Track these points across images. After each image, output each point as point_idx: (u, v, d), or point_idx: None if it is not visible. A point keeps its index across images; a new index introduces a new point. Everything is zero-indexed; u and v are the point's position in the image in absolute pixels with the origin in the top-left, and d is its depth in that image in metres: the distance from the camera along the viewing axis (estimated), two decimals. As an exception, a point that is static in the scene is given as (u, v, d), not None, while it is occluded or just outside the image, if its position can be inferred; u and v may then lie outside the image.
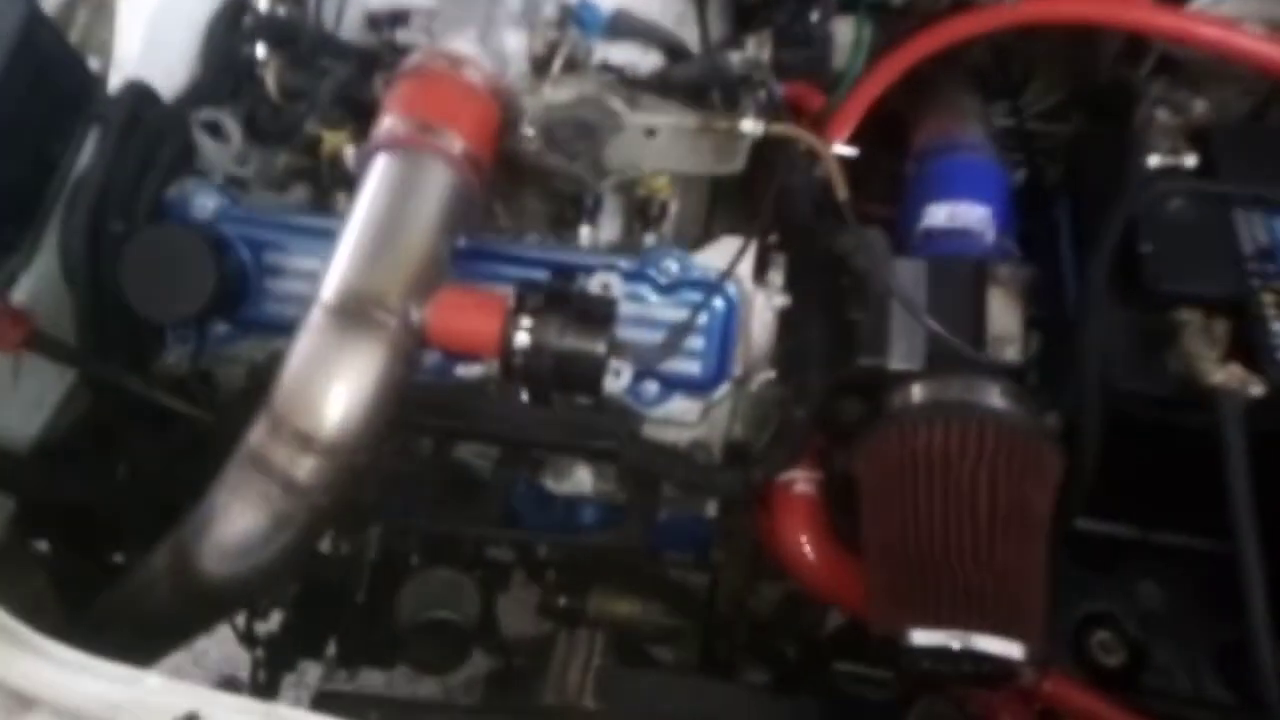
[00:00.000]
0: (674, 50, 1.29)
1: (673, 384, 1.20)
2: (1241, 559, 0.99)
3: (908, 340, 1.12)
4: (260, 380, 1.05)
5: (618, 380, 1.09)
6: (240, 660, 1.51)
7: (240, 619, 1.44)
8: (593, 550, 1.36)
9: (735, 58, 1.21)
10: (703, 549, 1.35)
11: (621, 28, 1.25)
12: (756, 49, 1.22)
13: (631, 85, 1.24)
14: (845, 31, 1.38)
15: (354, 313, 0.97)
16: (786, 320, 1.20)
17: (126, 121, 1.20)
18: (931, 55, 1.32)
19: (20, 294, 1.17)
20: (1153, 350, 1.10)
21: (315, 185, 1.32)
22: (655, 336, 1.17)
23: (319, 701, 1.00)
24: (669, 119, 1.20)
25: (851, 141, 1.29)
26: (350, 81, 1.25)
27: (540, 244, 1.28)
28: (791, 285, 1.21)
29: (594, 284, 1.15)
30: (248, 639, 1.46)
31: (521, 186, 1.30)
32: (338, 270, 0.99)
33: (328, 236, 1.04)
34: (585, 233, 1.28)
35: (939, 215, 1.24)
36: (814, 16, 1.31)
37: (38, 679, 0.84)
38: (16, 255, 1.17)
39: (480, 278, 1.20)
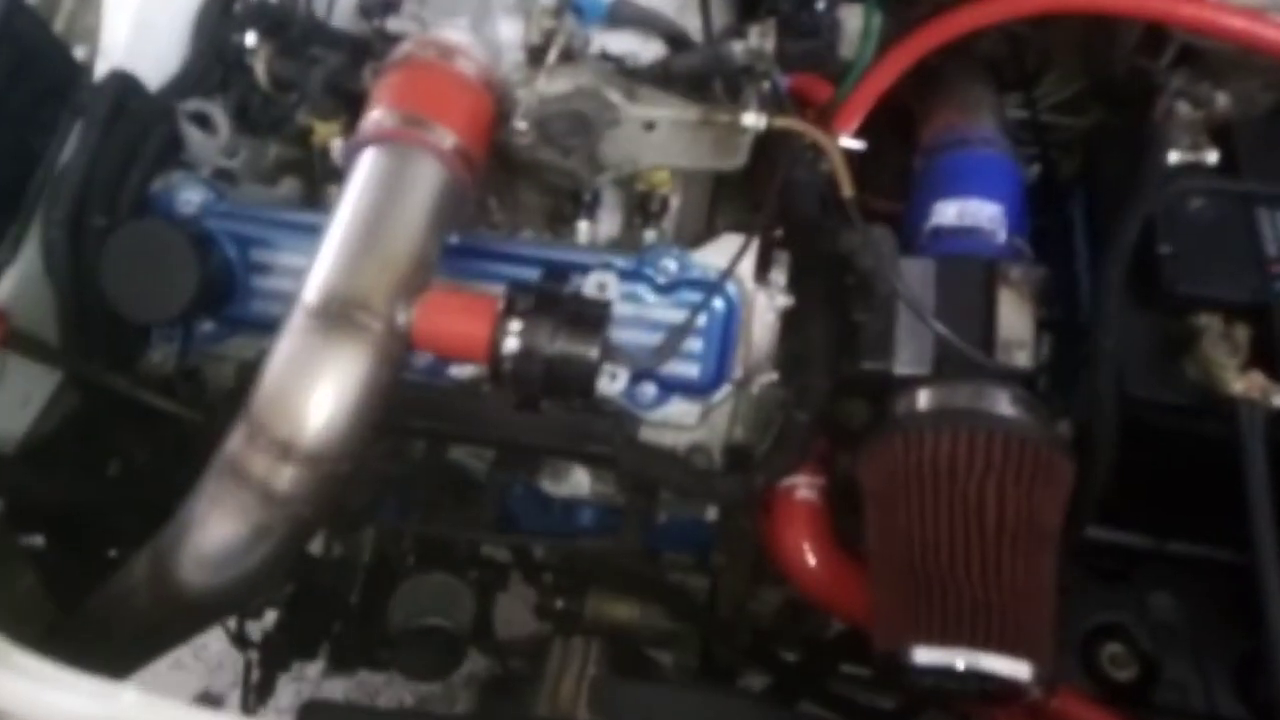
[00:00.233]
0: (675, 39, 1.26)
1: (671, 386, 1.17)
2: (1260, 570, 0.97)
3: (914, 343, 1.10)
4: (249, 379, 1.02)
5: (613, 383, 1.06)
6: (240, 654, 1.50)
7: (232, 620, 1.42)
8: (590, 554, 1.33)
9: (738, 47, 1.19)
10: (703, 551, 1.33)
11: (621, 15, 1.22)
12: (760, 38, 1.19)
13: (630, 76, 1.21)
14: (854, 20, 1.35)
15: (336, 316, 0.93)
16: (789, 321, 1.17)
17: (110, 112, 1.18)
18: (943, 45, 1.30)
19: (2, 291, 1.14)
20: (1170, 356, 1.08)
21: (306, 178, 1.29)
22: (653, 338, 1.14)
23: (302, 714, 0.97)
24: (668, 112, 1.17)
25: (859, 134, 1.26)
26: (342, 70, 1.22)
27: (534, 241, 1.25)
28: (795, 284, 1.18)
29: (590, 284, 1.13)
30: (239, 640, 1.44)
31: (517, 180, 1.27)
32: (320, 271, 0.96)
33: (317, 233, 1.01)
34: (583, 228, 1.25)
35: (948, 213, 1.21)
36: (820, 5, 1.28)
37: (11, 694, 0.82)
38: (-1, 250, 1.15)
39: (472, 276, 1.17)
